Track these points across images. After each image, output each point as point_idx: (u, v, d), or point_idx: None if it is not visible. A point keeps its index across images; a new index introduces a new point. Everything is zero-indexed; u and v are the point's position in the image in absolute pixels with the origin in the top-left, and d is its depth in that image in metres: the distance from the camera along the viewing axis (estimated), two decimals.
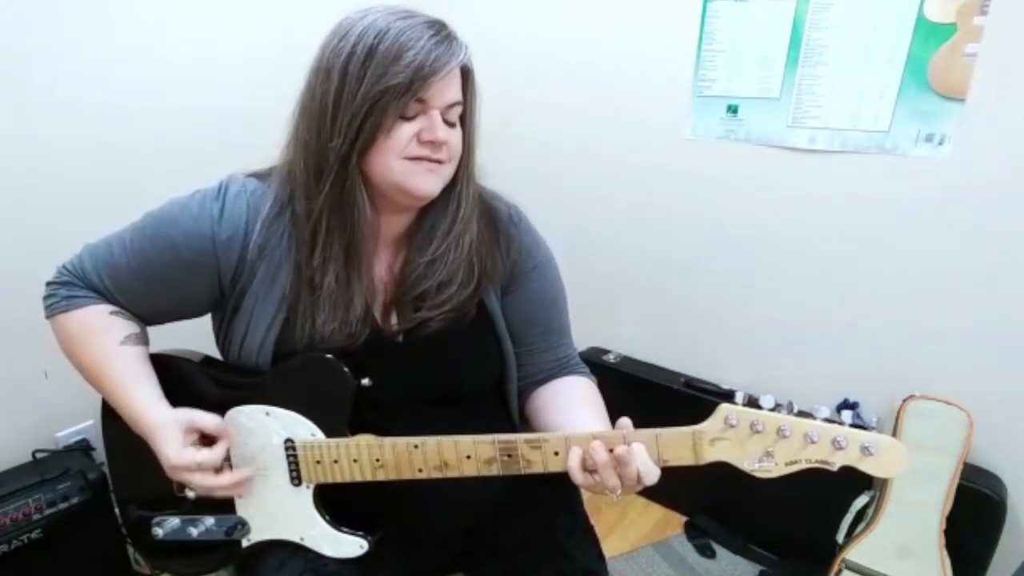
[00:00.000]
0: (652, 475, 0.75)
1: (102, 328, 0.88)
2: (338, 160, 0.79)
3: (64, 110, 1.45)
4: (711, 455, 0.75)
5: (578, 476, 0.77)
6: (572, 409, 0.93)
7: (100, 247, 0.90)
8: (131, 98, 1.55)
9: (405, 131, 0.79)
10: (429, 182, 0.82)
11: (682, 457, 0.76)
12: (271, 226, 0.85)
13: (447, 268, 0.88)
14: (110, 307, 0.90)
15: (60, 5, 1.41)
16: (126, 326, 0.90)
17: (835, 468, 0.72)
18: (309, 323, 0.85)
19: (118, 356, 0.87)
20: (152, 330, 0.94)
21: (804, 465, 0.73)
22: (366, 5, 0.80)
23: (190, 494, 0.89)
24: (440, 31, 0.79)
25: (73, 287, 0.90)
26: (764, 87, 1.65)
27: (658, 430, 0.76)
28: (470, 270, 0.90)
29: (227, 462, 0.86)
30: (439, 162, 0.82)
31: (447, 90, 0.80)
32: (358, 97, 0.76)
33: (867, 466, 0.72)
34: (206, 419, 0.84)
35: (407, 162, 0.80)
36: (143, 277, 0.88)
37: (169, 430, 0.82)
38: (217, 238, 0.84)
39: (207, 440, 0.85)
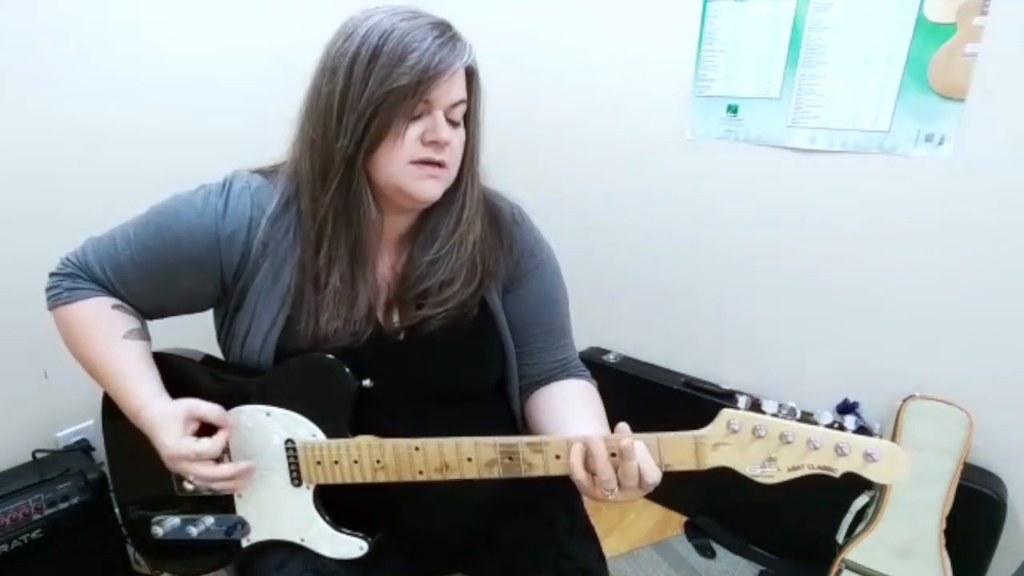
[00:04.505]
0: (653, 474, 0.75)
1: (104, 322, 0.88)
2: (344, 161, 0.79)
3: (66, 107, 1.45)
4: (713, 460, 0.75)
5: (579, 474, 0.77)
6: (570, 413, 0.93)
7: (103, 240, 0.90)
8: (134, 94, 1.54)
9: (410, 132, 0.79)
10: (431, 187, 0.83)
11: (684, 462, 0.76)
12: (276, 222, 0.85)
13: (450, 267, 0.88)
14: (112, 300, 0.90)
15: (63, 3, 1.41)
16: (128, 320, 0.90)
17: (837, 474, 0.72)
18: (313, 321, 0.85)
19: (121, 350, 0.87)
20: (153, 329, 0.94)
21: (806, 471, 0.73)
22: (372, 5, 0.80)
23: (189, 487, 0.89)
24: (444, 32, 0.79)
25: (77, 279, 0.89)
26: (764, 87, 1.65)
27: (660, 434, 0.76)
28: (473, 269, 0.90)
29: (227, 454, 0.86)
30: (441, 165, 0.82)
31: (452, 90, 0.80)
32: (363, 98, 0.76)
33: (870, 472, 0.71)
34: (207, 407, 0.83)
35: (411, 166, 0.80)
36: (146, 271, 0.88)
37: (169, 420, 0.82)
38: (221, 233, 0.84)
39: (208, 431, 0.84)
